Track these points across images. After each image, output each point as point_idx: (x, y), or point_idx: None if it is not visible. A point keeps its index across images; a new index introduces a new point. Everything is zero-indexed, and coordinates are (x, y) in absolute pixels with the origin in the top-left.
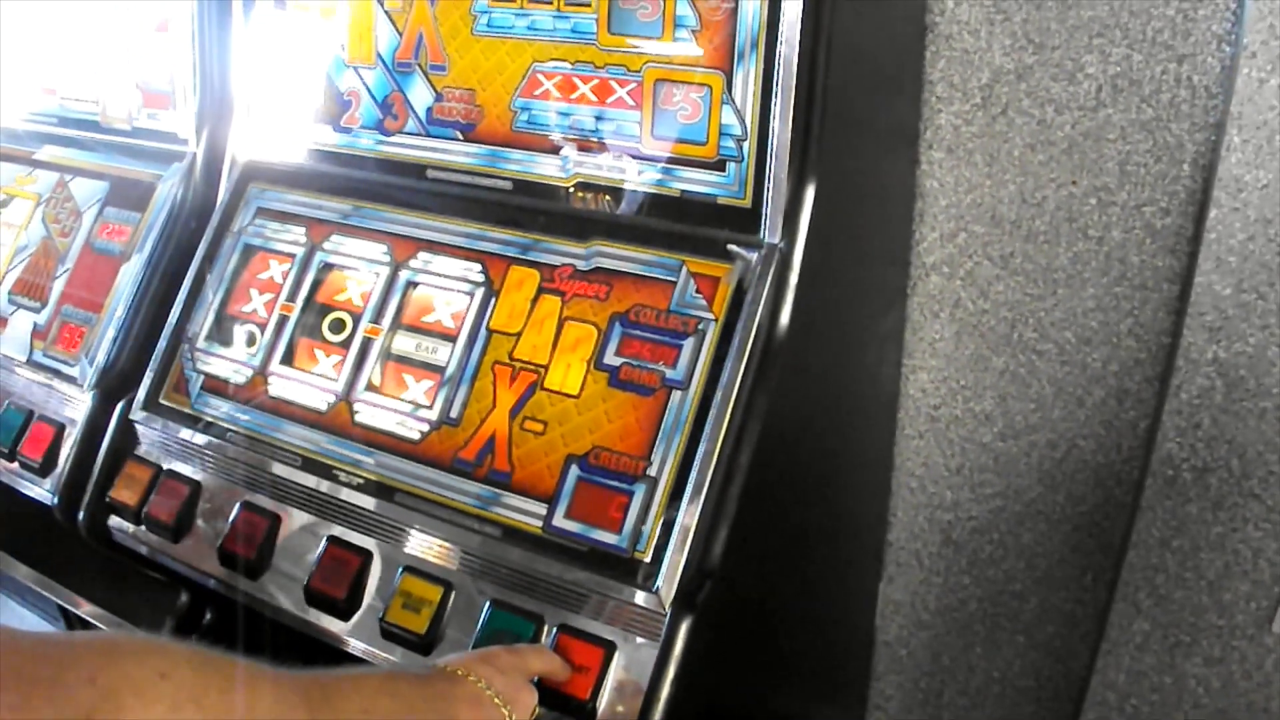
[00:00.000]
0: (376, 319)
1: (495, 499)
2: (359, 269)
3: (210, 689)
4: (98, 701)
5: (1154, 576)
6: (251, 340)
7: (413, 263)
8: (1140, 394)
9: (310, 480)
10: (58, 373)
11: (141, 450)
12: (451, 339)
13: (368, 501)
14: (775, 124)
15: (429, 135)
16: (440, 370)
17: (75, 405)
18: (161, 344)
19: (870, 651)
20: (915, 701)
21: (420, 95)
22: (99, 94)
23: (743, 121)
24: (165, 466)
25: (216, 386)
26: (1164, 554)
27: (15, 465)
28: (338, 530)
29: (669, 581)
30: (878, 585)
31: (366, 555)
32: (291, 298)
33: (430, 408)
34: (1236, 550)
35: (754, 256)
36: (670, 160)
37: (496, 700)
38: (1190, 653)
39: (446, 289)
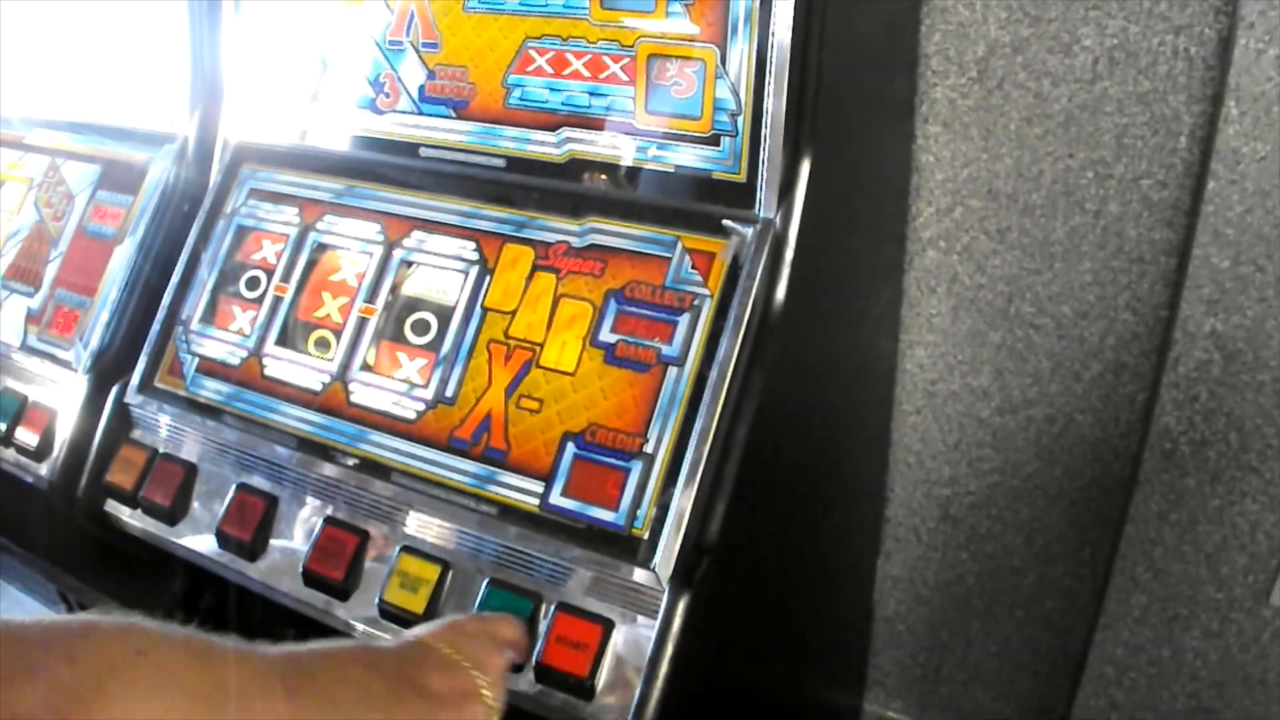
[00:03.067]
0: (371, 298)
1: (492, 477)
2: (352, 248)
3: (188, 666)
4: (77, 680)
5: (1152, 550)
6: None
7: (406, 242)
8: (1138, 368)
9: (306, 461)
10: (52, 357)
11: (137, 434)
12: (446, 317)
13: (364, 481)
14: (769, 98)
15: (421, 113)
16: (435, 349)
17: (70, 389)
18: (156, 327)
19: (869, 627)
20: (914, 676)
21: (412, 73)
22: (90, 76)
23: (737, 96)
24: (161, 449)
25: (211, 368)
26: (1162, 528)
27: (11, 451)
28: (334, 511)
29: (666, 558)
30: (876, 561)
31: (364, 535)
32: (285, 278)
33: (425, 387)
34: (1234, 523)
35: (749, 232)
36: (664, 136)
37: (466, 664)
38: (1188, 626)
39: (441, 267)
